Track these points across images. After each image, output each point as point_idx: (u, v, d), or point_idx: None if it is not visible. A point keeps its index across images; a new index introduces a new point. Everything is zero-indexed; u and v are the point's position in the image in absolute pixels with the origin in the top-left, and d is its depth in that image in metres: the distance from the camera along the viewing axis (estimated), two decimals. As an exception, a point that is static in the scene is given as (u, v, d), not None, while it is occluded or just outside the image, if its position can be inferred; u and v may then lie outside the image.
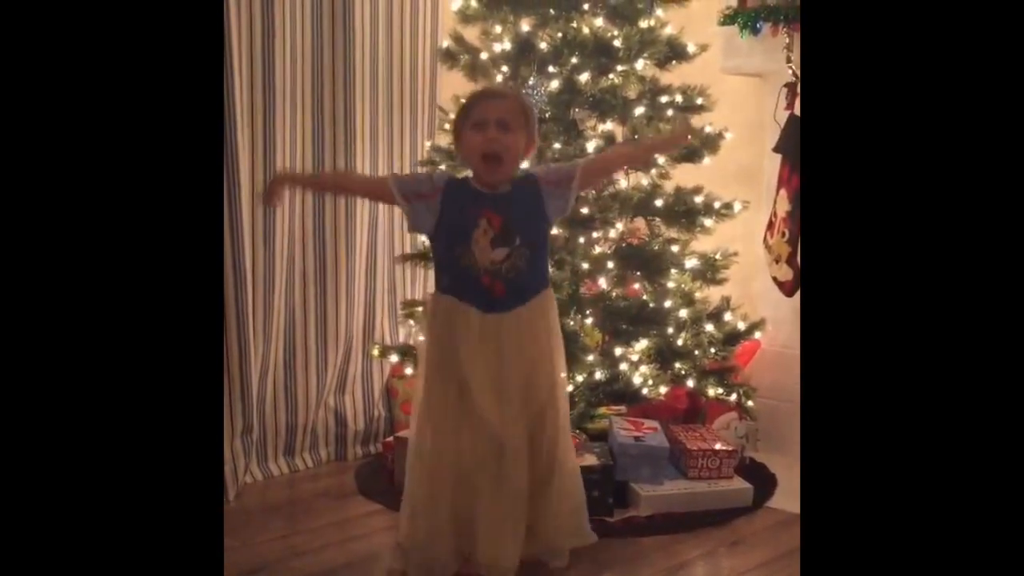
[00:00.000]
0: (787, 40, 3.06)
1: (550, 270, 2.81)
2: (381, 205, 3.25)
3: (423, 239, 3.32)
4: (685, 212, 2.95)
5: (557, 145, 2.89)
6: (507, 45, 2.91)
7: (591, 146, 2.88)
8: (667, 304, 2.95)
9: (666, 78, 3.03)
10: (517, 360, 2.16)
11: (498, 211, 2.15)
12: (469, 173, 2.25)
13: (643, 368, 2.92)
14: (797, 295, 3.07)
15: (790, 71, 3.04)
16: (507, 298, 2.16)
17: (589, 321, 2.93)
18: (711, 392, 3.02)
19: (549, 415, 2.20)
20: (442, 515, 2.16)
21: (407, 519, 2.22)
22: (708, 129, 2.99)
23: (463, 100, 2.31)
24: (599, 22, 2.91)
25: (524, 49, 2.88)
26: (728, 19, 3.22)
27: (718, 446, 2.82)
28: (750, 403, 3.08)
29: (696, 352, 2.98)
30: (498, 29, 2.95)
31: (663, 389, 2.93)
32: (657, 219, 2.99)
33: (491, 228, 2.15)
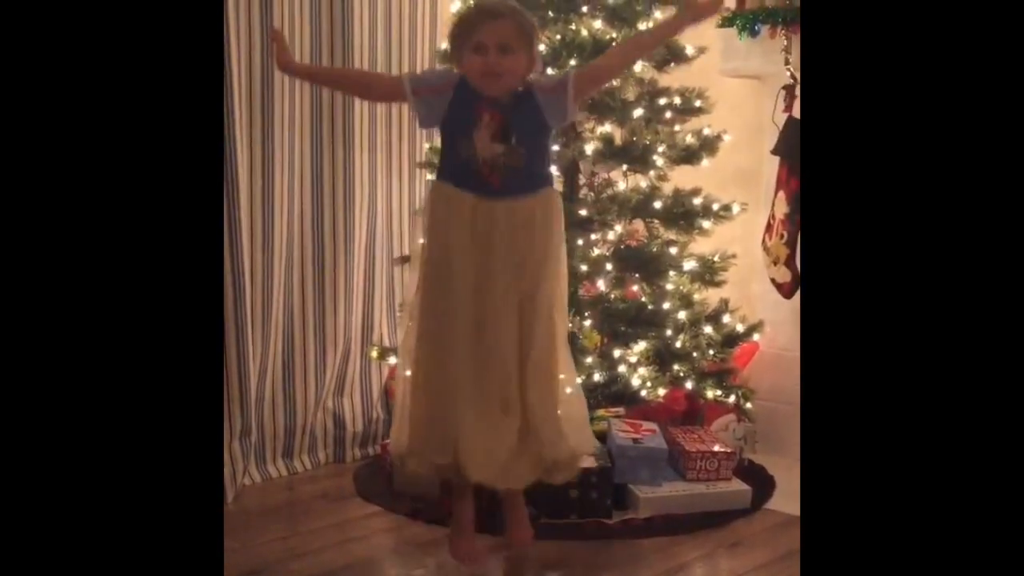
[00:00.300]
0: (785, 42, 3.06)
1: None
2: (380, 209, 3.25)
3: (422, 241, 3.32)
4: (684, 214, 2.95)
5: (556, 147, 2.89)
6: (506, 47, 2.91)
7: (589, 148, 2.88)
8: (666, 306, 2.95)
9: (664, 80, 3.03)
10: (506, 248, 2.18)
11: (499, 111, 2.20)
12: None
13: (641, 370, 2.92)
14: (796, 297, 3.08)
15: (788, 73, 3.04)
16: (502, 188, 2.20)
17: (588, 323, 2.93)
18: (710, 394, 3.03)
19: (538, 312, 2.20)
20: (437, 424, 2.18)
21: (397, 428, 2.27)
22: (707, 131, 3.00)
23: (460, 16, 2.32)
24: (598, 24, 2.91)
25: (523, 51, 2.88)
26: (726, 21, 3.22)
27: (716, 448, 2.82)
28: (749, 405, 3.08)
29: (695, 354, 2.98)
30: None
31: (662, 391, 2.93)
32: (656, 221, 2.99)
33: (492, 123, 2.19)
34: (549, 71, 2.80)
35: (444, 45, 3.08)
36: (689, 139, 2.97)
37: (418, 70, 3.33)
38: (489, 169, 2.20)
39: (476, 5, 2.36)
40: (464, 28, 2.23)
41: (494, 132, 2.19)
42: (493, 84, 2.19)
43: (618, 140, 2.94)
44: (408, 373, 2.27)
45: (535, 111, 2.21)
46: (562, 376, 2.28)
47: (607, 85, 2.89)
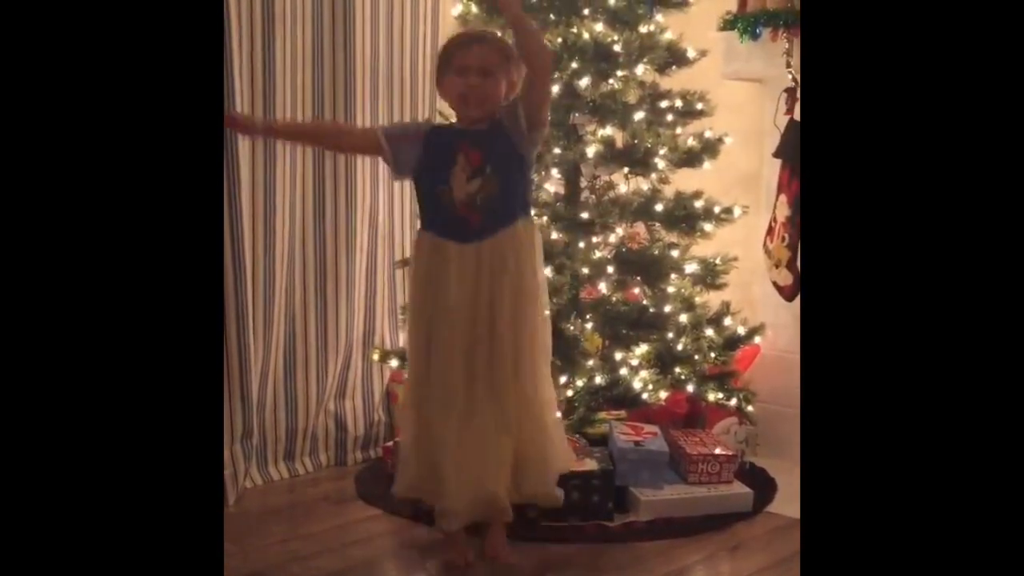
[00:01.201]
0: (787, 45, 3.06)
1: (548, 273, 2.83)
2: (382, 212, 3.25)
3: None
4: (685, 217, 2.95)
5: (557, 150, 2.90)
6: (507, 50, 2.91)
7: (591, 151, 2.88)
8: (667, 309, 2.95)
9: (666, 83, 3.03)
10: (489, 288, 2.22)
11: (475, 146, 2.23)
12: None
13: (643, 373, 2.92)
14: (797, 300, 3.08)
15: (790, 76, 3.04)
16: (482, 227, 2.22)
17: (589, 326, 2.93)
18: (711, 397, 3.02)
19: (522, 347, 2.24)
20: (424, 463, 2.26)
21: (399, 470, 2.36)
22: (708, 134, 3.00)
23: (444, 46, 2.36)
24: (599, 27, 2.91)
25: (524, 54, 2.88)
26: (728, 24, 3.22)
27: (718, 451, 2.82)
28: (750, 408, 3.07)
29: (696, 357, 2.98)
30: (498, 34, 2.95)
31: (663, 394, 2.93)
32: (657, 224, 2.99)
33: (468, 164, 2.23)
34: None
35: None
36: (691, 142, 2.97)
37: (418, 75, 3.34)
38: (467, 209, 2.22)
39: (460, 34, 2.42)
40: (448, 51, 2.28)
41: (470, 171, 2.22)
42: (474, 106, 2.23)
43: (619, 143, 2.94)
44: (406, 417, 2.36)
45: (508, 140, 2.23)
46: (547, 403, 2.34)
47: (608, 87, 2.89)
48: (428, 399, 2.28)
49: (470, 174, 2.22)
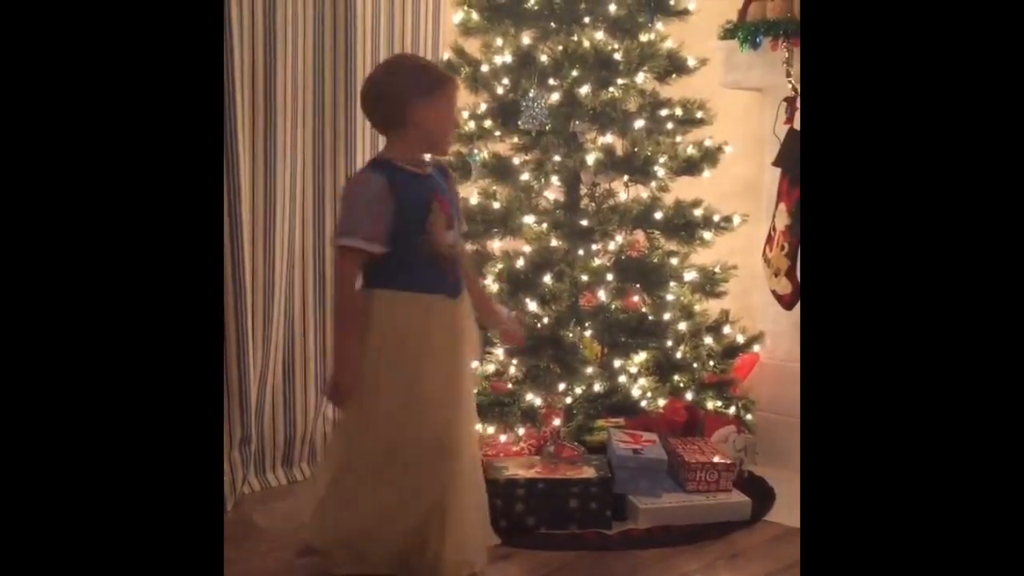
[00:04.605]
0: (787, 54, 3.07)
1: (549, 281, 2.83)
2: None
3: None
4: (685, 225, 2.96)
5: (557, 157, 2.90)
6: (508, 58, 2.92)
7: (591, 158, 2.89)
8: (666, 317, 2.95)
9: (666, 91, 3.04)
10: (468, 344, 2.18)
11: (441, 193, 2.17)
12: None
13: (642, 381, 2.92)
14: (796, 308, 3.08)
15: (790, 85, 3.05)
16: (459, 282, 2.18)
17: (588, 333, 2.93)
18: (710, 405, 3.02)
19: (472, 409, 2.22)
20: (386, 510, 2.14)
21: (333, 513, 2.16)
22: (708, 143, 3.00)
23: (422, 64, 2.32)
24: (600, 35, 2.92)
25: (525, 62, 2.89)
26: (728, 33, 3.23)
27: (716, 459, 2.82)
28: (749, 416, 3.08)
29: (695, 365, 2.98)
30: (499, 42, 2.96)
31: (662, 402, 2.93)
32: (657, 232, 3.00)
33: (442, 212, 2.14)
34: (532, 93, 2.83)
35: (446, 55, 3.10)
36: (690, 150, 2.98)
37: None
38: (448, 263, 2.14)
39: (440, 68, 2.34)
40: (441, 76, 2.19)
41: (446, 220, 2.14)
42: (449, 143, 2.21)
43: (619, 151, 2.94)
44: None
45: (455, 190, 2.21)
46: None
47: (608, 95, 2.90)
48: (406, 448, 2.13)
49: (446, 222, 2.14)
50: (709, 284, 3.03)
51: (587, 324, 2.93)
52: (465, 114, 3.01)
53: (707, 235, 2.99)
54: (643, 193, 3.02)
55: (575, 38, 2.87)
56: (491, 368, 2.91)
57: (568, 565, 2.42)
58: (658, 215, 2.94)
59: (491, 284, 2.88)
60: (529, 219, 2.91)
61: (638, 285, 2.96)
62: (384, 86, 2.17)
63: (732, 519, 2.72)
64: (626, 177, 2.96)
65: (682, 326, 2.99)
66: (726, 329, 3.09)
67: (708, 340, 3.04)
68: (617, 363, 2.92)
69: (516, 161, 2.93)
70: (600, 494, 2.62)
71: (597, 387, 2.88)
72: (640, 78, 2.95)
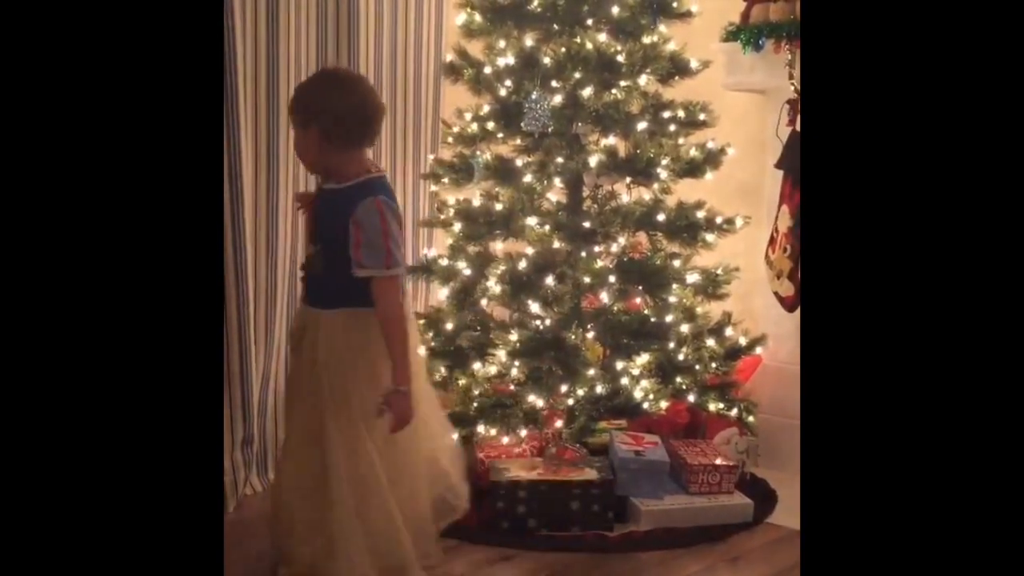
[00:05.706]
0: (789, 57, 3.07)
1: (552, 282, 2.82)
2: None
3: (425, 251, 3.32)
4: (687, 227, 2.96)
5: (560, 159, 2.90)
6: (510, 60, 2.92)
7: (593, 160, 2.89)
8: (668, 319, 2.95)
9: (668, 93, 3.04)
10: (324, 364, 2.10)
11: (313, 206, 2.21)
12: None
13: (644, 382, 2.92)
14: (798, 311, 3.08)
15: (792, 87, 3.05)
16: (310, 295, 2.18)
17: (590, 335, 2.93)
18: (712, 407, 3.02)
19: (327, 439, 2.09)
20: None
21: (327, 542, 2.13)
22: (710, 145, 3.00)
23: (361, 99, 2.16)
24: (602, 37, 2.92)
25: (527, 64, 2.89)
26: (731, 35, 3.24)
27: (718, 461, 2.82)
28: (751, 418, 3.07)
29: (697, 367, 2.98)
30: (502, 44, 2.96)
31: (664, 404, 2.93)
32: (659, 234, 3.00)
33: (309, 219, 2.23)
34: (535, 95, 2.84)
35: (449, 57, 3.10)
36: (693, 152, 2.98)
37: (422, 83, 3.37)
38: (304, 272, 2.19)
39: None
40: (375, 118, 2.16)
41: (311, 230, 2.21)
42: None
43: (622, 152, 2.94)
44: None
45: (347, 210, 2.08)
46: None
47: (611, 97, 2.90)
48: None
49: (310, 232, 2.28)
50: (711, 286, 3.03)
51: (589, 326, 2.93)
52: (468, 116, 3.02)
53: (709, 237, 2.99)
54: (645, 195, 3.02)
55: (578, 40, 2.88)
56: (493, 370, 2.91)
57: (570, 567, 2.42)
58: (660, 217, 2.94)
59: (493, 286, 2.88)
60: (531, 221, 2.91)
61: (640, 287, 2.96)
62: (373, 102, 2.19)
63: (734, 521, 2.72)
64: (628, 179, 2.96)
65: (684, 328, 2.99)
66: (728, 331, 3.09)
67: (710, 342, 3.04)
68: (619, 365, 2.92)
69: (519, 163, 2.93)
70: (602, 496, 2.62)
71: (599, 389, 2.88)
72: (643, 80, 2.95)
